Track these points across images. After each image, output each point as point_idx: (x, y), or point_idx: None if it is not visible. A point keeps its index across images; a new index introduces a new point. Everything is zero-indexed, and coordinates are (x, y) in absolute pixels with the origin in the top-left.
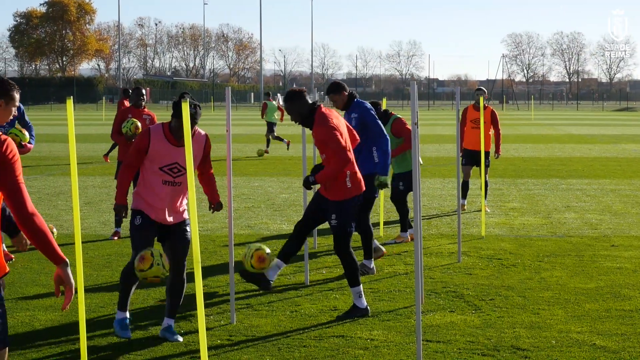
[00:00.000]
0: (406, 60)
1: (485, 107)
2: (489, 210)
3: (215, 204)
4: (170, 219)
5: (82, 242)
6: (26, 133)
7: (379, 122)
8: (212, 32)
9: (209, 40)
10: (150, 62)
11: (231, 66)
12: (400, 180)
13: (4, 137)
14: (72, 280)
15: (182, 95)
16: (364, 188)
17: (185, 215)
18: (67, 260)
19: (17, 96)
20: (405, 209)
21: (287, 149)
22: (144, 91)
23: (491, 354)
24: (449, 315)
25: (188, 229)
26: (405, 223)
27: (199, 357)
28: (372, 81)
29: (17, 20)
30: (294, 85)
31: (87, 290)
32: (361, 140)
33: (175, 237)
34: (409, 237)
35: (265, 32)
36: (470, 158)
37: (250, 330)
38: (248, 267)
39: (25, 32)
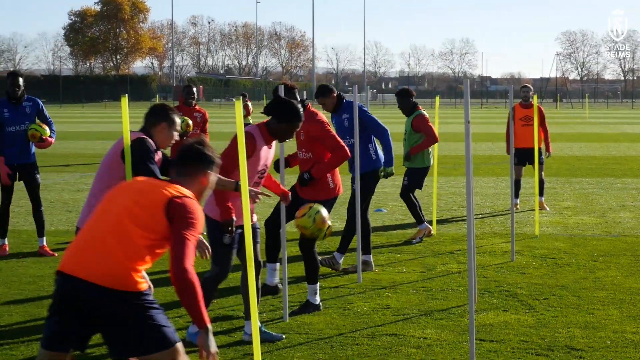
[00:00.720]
0: (459, 58)
1: (532, 105)
2: (547, 209)
3: (287, 195)
4: (254, 218)
5: None
6: (46, 128)
7: (373, 116)
8: (264, 30)
9: (261, 38)
10: (203, 60)
11: (284, 64)
12: (406, 176)
13: (186, 197)
14: (213, 348)
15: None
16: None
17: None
18: (210, 326)
19: (178, 120)
20: (413, 202)
21: None
22: (194, 89)
23: (545, 353)
24: (502, 314)
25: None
26: (419, 215)
27: (252, 355)
28: (424, 79)
29: (72, 19)
30: (346, 83)
31: None
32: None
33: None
34: (428, 229)
35: (318, 30)
36: (521, 157)
37: (303, 327)
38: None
39: (80, 30)
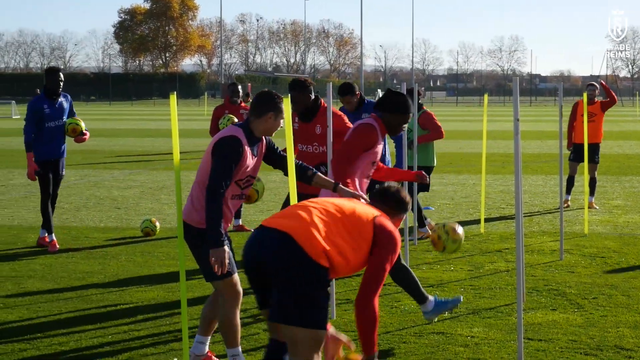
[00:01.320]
0: (508, 55)
1: (595, 102)
2: (597, 208)
3: (422, 174)
4: None
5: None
6: (82, 122)
7: None
8: (312, 27)
9: (309, 36)
10: (252, 57)
11: (332, 62)
12: None
13: (386, 225)
14: None
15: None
16: None
17: None
18: (377, 353)
19: (283, 108)
20: (418, 204)
21: None
22: (239, 87)
23: (594, 353)
24: (550, 313)
25: None
26: (422, 218)
27: None
28: (473, 77)
29: (121, 17)
30: (394, 81)
31: (190, 283)
32: None
33: None
34: (428, 233)
35: (366, 28)
36: (579, 153)
37: (351, 325)
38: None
39: (129, 28)
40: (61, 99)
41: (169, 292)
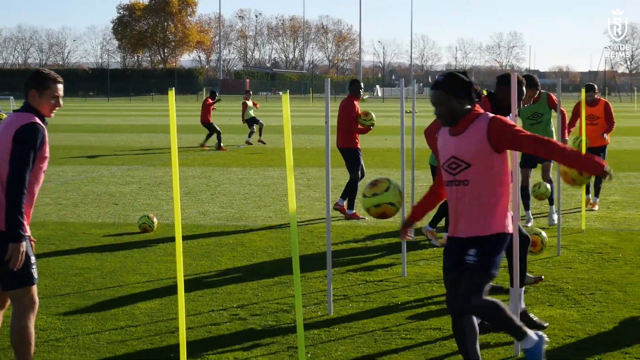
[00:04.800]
0: (506, 51)
1: (599, 101)
2: (596, 208)
3: None
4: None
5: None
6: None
7: None
8: (311, 23)
9: (308, 31)
10: (250, 53)
11: (330, 58)
12: None
13: None
14: None
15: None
16: None
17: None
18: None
19: (55, 86)
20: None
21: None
22: (362, 84)
23: (590, 349)
24: (547, 309)
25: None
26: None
27: (296, 348)
28: (471, 73)
29: (120, 13)
30: (392, 77)
31: (187, 279)
32: None
33: None
34: None
35: (365, 24)
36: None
37: (348, 321)
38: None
39: (128, 24)
40: None
41: (166, 288)
